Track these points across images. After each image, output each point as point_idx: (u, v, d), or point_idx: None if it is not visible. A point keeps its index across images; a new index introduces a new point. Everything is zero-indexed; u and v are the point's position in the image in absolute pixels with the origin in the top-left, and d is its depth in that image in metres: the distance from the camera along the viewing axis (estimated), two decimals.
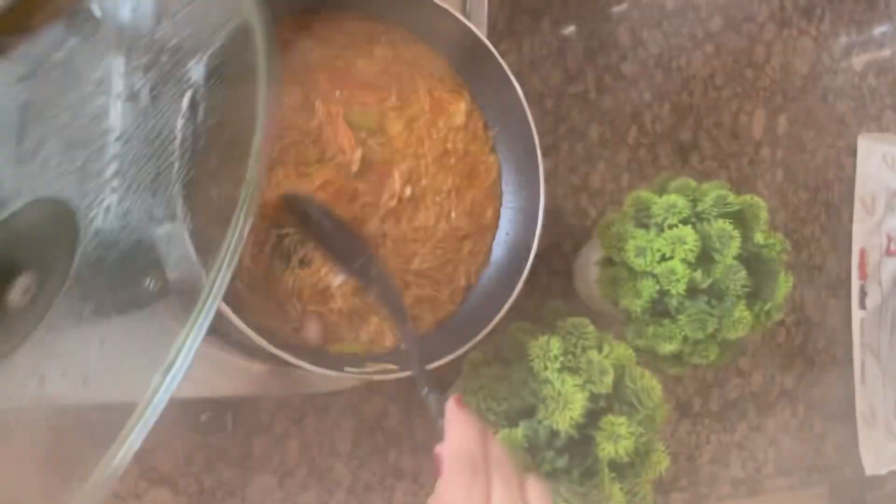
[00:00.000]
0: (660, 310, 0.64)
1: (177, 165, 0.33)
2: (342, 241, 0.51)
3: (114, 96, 0.31)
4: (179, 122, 0.33)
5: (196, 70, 0.33)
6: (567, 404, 0.51)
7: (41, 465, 0.31)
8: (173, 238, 0.34)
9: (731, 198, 0.63)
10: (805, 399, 0.99)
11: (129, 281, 0.33)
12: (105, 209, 0.31)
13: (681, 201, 0.62)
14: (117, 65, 0.31)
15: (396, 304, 0.49)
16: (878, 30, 1.10)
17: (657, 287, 0.61)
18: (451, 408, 0.38)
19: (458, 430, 0.36)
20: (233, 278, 0.50)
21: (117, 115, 0.32)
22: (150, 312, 0.33)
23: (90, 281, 0.31)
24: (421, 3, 0.54)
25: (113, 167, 0.31)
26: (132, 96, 0.32)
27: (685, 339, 0.63)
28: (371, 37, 0.57)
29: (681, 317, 0.62)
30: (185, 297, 0.33)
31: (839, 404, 1.03)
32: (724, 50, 0.93)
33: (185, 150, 0.33)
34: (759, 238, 0.64)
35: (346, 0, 0.55)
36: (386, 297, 0.49)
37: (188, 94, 0.33)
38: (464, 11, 0.61)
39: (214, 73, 0.33)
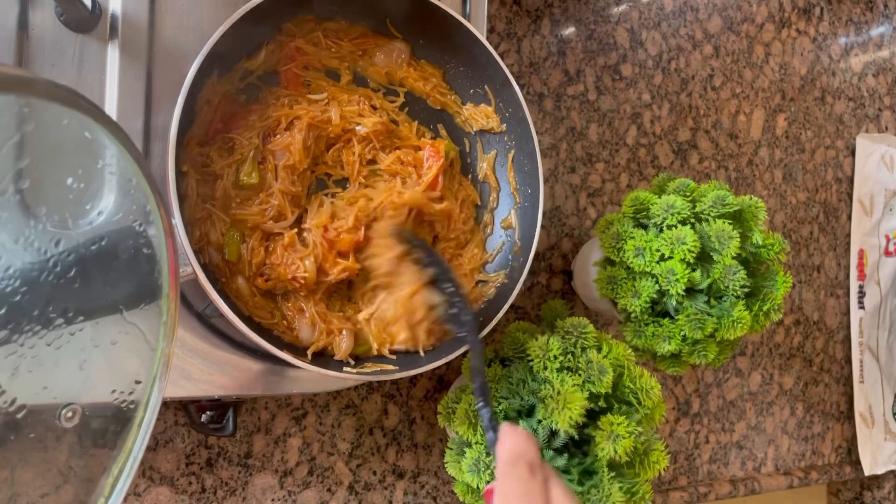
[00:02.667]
0: (659, 310, 0.64)
1: None
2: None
3: None
4: None
5: None
6: (566, 404, 0.51)
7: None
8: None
9: (730, 198, 0.63)
10: (804, 399, 0.99)
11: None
12: None
13: (680, 201, 0.63)
14: None
15: (475, 336, 0.50)
16: (877, 30, 1.11)
17: (656, 287, 0.62)
18: (506, 426, 0.41)
19: (513, 438, 0.40)
20: (235, 275, 0.50)
21: None
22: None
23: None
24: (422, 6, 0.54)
25: None
26: None
27: (684, 338, 0.63)
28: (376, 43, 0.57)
29: (679, 317, 0.62)
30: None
31: (837, 404, 1.03)
32: (723, 51, 0.93)
33: None
34: (757, 238, 0.64)
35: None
36: (464, 328, 0.51)
37: None
38: (464, 13, 0.61)
39: None
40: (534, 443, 0.40)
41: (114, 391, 0.33)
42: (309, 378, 0.55)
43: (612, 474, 0.53)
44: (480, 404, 0.45)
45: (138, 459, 0.33)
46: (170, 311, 0.34)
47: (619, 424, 0.52)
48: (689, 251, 0.60)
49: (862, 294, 1.05)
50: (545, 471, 0.39)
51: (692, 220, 0.63)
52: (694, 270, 0.62)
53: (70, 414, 0.31)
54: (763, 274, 0.65)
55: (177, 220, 0.43)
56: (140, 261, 0.33)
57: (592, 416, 0.54)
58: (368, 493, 0.67)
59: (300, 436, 0.64)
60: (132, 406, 0.34)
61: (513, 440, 0.40)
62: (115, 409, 0.33)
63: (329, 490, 0.65)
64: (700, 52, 0.91)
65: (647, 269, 0.62)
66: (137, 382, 0.34)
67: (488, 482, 0.53)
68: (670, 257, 0.61)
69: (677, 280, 0.60)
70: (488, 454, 0.53)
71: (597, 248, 0.70)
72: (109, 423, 0.33)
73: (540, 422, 0.53)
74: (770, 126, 0.97)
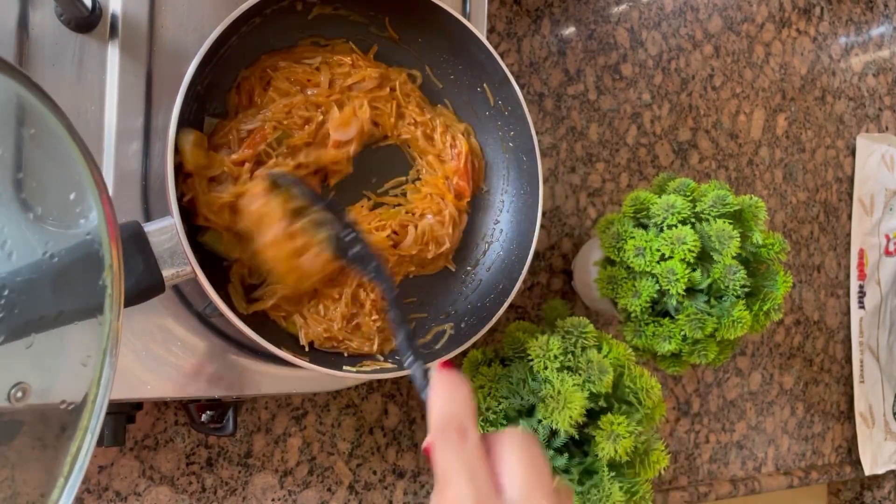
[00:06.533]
0: (659, 309, 0.64)
1: None
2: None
3: None
4: None
5: None
6: (566, 404, 0.51)
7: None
8: None
9: (730, 198, 0.63)
10: (804, 399, 0.99)
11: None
12: None
13: (680, 201, 0.63)
14: None
15: (382, 273, 0.47)
16: (877, 30, 1.11)
17: (656, 287, 0.62)
18: (436, 375, 0.35)
19: (440, 394, 0.34)
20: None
21: None
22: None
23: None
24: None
25: None
26: None
27: (684, 338, 0.63)
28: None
29: (680, 316, 0.62)
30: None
31: (838, 404, 1.03)
32: (723, 50, 0.93)
33: None
34: (757, 238, 0.64)
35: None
36: (370, 268, 0.48)
37: None
38: (464, 12, 0.61)
39: None
40: (461, 399, 0.33)
41: (64, 368, 0.33)
42: (309, 377, 0.55)
43: (613, 474, 0.53)
44: (409, 360, 0.40)
45: (95, 436, 0.32)
46: (114, 282, 0.33)
47: (619, 424, 0.52)
48: (690, 251, 0.60)
49: (862, 294, 1.05)
50: (486, 435, 0.33)
51: (692, 220, 0.63)
52: (694, 270, 0.62)
53: (20, 394, 0.30)
54: (763, 274, 0.65)
55: (175, 220, 0.43)
56: (78, 231, 0.32)
57: (593, 415, 0.54)
58: (368, 492, 0.67)
59: (300, 435, 0.64)
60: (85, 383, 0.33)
61: (440, 398, 0.34)
62: (68, 386, 0.33)
63: (329, 490, 0.65)
64: (700, 52, 0.91)
65: (648, 269, 0.62)
66: (88, 357, 0.33)
67: None
68: (670, 257, 0.61)
69: (677, 280, 0.60)
70: None
71: (597, 247, 0.70)
72: (63, 401, 0.32)
73: (540, 421, 0.53)
74: (770, 126, 0.97)
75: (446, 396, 0.34)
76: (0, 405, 0.30)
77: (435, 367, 0.36)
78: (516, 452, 0.32)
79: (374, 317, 0.54)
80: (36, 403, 0.31)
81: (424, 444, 0.34)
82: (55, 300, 0.32)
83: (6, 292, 0.30)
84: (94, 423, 0.33)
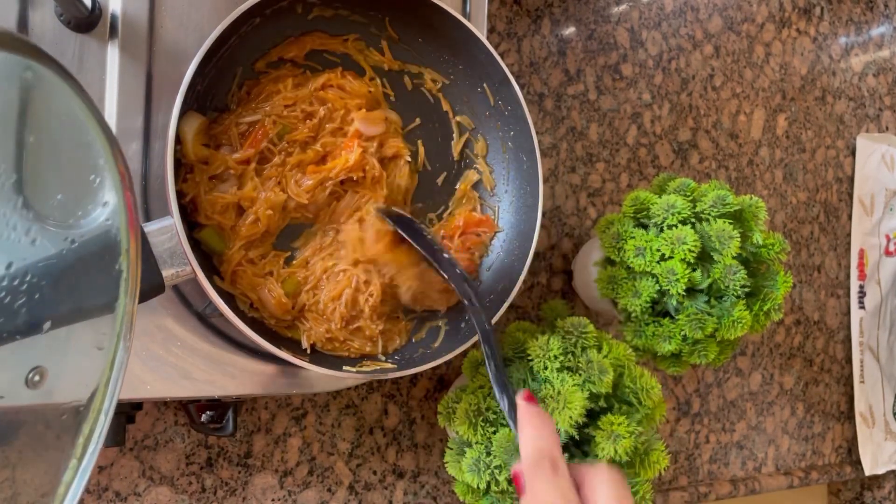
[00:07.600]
0: (659, 309, 0.64)
1: None
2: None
3: None
4: None
5: None
6: (567, 404, 0.51)
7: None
8: None
9: (731, 198, 0.63)
10: (804, 399, 0.99)
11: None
12: None
13: (680, 201, 0.63)
14: None
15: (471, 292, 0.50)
16: (877, 30, 1.11)
17: (656, 287, 0.62)
18: (524, 407, 0.39)
19: (531, 427, 0.38)
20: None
21: None
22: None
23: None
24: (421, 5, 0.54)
25: None
26: None
27: (684, 338, 0.63)
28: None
29: (680, 316, 0.62)
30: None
31: (838, 404, 1.03)
32: (724, 50, 0.93)
33: None
34: (758, 238, 0.64)
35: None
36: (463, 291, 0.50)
37: None
38: (464, 12, 0.61)
39: None
40: (550, 434, 0.38)
41: (79, 351, 0.33)
42: (309, 378, 0.55)
43: None
44: (498, 392, 0.45)
45: (109, 418, 0.33)
46: (130, 267, 0.33)
47: (619, 424, 0.52)
48: (690, 251, 0.60)
49: (862, 294, 1.05)
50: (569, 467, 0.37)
51: (692, 220, 0.63)
52: (694, 270, 0.62)
53: (37, 378, 0.30)
54: (763, 274, 0.65)
55: (175, 219, 0.43)
56: (97, 217, 0.32)
57: (593, 415, 0.54)
58: (368, 492, 0.67)
59: (300, 436, 0.64)
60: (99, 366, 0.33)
61: (530, 431, 0.38)
62: (83, 369, 0.33)
63: (329, 490, 0.65)
64: (700, 52, 0.91)
65: (648, 269, 0.62)
66: (103, 341, 0.33)
67: (488, 482, 0.53)
68: (671, 257, 0.61)
69: (678, 280, 0.60)
70: (489, 454, 0.53)
71: (597, 247, 0.70)
72: (78, 384, 0.32)
73: None
74: (770, 126, 0.97)
75: (537, 429, 0.38)
76: (18, 389, 0.30)
77: (521, 397, 0.40)
78: (605, 486, 0.36)
79: (377, 322, 0.54)
80: (52, 387, 0.31)
81: (513, 471, 0.38)
82: (74, 285, 0.32)
83: (28, 277, 0.30)
84: (107, 404, 0.33)
